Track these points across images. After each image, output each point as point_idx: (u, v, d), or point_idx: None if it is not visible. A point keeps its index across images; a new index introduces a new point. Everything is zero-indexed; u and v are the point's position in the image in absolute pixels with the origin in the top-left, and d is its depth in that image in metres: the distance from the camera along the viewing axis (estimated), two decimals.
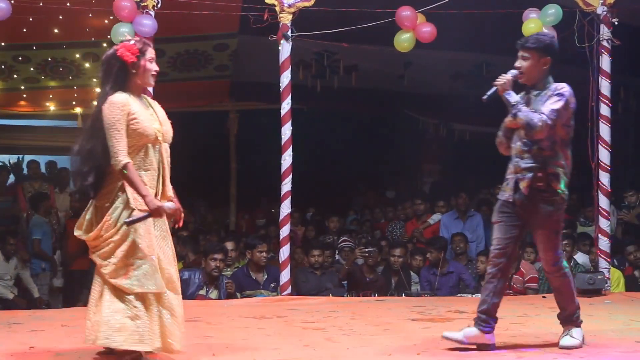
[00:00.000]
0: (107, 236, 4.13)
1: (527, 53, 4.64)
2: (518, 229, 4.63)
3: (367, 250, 8.35)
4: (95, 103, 4.31)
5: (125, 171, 4.00)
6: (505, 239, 4.62)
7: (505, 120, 4.74)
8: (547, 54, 4.67)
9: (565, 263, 4.76)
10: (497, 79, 4.61)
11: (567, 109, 4.56)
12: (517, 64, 4.68)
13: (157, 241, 4.17)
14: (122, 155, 4.02)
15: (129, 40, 4.20)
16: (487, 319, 4.64)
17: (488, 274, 4.72)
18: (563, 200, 4.63)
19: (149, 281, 4.07)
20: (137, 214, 4.05)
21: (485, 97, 4.68)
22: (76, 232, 4.27)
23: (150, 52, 4.22)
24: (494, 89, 4.67)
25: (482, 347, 4.61)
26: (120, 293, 4.11)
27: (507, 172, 4.79)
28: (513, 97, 4.60)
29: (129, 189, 4.07)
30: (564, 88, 4.62)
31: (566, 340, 4.68)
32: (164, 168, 4.24)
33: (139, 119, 4.12)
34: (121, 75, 4.14)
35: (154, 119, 4.25)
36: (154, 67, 4.24)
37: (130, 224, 4.04)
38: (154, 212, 4.06)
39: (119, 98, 4.09)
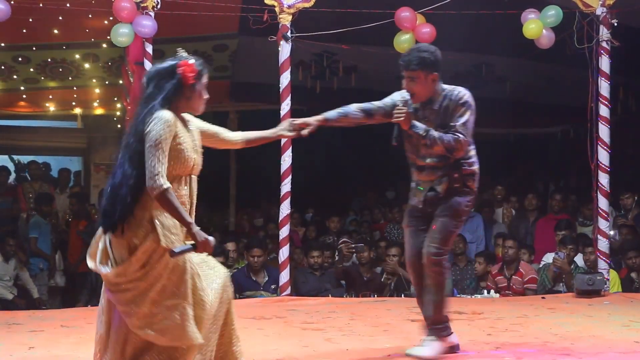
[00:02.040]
0: (133, 278, 3.47)
1: (414, 74, 4.39)
2: (426, 232, 4.54)
3: (352, 245, 8.39)
4: (129, 119, 3.90)
5: (167, 195, 3.41)
6: (417, 244, 4.52)
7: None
8: (434, 69, 4.41)
9: (447, 264, 4.58)
10: (395, 115, 4.34)
11: (473, 114, 4.44)
12: (406, 85, 4.45)
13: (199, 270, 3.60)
14: (163, 179, 3.41)
15: (189, 58, 3.70)
16: (443, 325, 4.52)
17: (415, 283, 4.66)
18: (474, 196, 4.56)
19: (182, 332, 3.45)
20: (180, 246, 3.46)
21: (394, 142, 4.55)
22: (90, 264, 3.58)
23: (206, 78, 3.76)
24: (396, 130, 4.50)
25: (451, 350, 4.55)
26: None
27: (415, 176, 4.64)
28: (419, 128, 4.36)
29: (159, 225, 3.46)
30: (465, 95, 4.44)
31: (416, 350, 4.45)
32: (192, 203, 3.70)
33: (183, 145, 3.60)
34: (174, 94, 3.62)
35: (195, 148, 3.73)
36: (206, 94, 3.77)
37: (175, 255, 3.42)
38: (201, 245, 3.47)
39: (169, 116, 3.53)
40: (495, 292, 7.92)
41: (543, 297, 7.50)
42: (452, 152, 4.37)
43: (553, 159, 12.32)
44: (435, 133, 4.33)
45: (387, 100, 4.58)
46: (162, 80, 3.65)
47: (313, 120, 4.39)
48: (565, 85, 9.94)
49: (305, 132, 4.30)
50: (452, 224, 4.48)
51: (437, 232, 4.44)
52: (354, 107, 4.54)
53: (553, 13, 7.76)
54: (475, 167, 4.52)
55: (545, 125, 12.14)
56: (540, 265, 8.18)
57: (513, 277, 7.97)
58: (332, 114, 4.51)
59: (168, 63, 3.69)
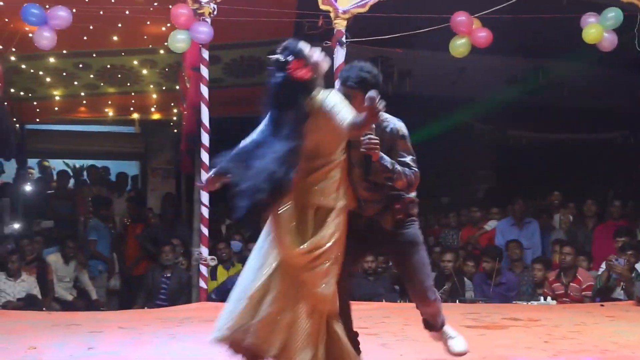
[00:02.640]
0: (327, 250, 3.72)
1: (350, 92, 4.03)
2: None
3: None
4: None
5: None
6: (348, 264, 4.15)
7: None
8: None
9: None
10: (368, 145, 3.84)
11: None
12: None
13: None
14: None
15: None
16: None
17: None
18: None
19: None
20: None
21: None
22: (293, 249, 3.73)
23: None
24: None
25: None
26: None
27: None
28: (387, 160, 4.00)
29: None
30: (403, 127, 4.14)
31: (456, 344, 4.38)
32: None
33: None
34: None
35: None
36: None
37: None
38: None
39: None
40: (552, 299, 7.80)
41: (602, 305, 7.35)
42: (409, 188, 4.17)
43: (612, 165, 12.08)
44: (399, 167, 4.05)
45: None
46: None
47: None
48: (625, 90, 9.76)
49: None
50: (425, 256, 4.32)
51: (421, 274, 4.23)
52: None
53: (613, 15, 7.63)
54: (414, 194, 4.29)
55: (605, 130, 11.91)
56: (599, 273, 8.03)
57: (571, 284, 7.85)
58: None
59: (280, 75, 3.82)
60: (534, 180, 11.73)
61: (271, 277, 3.76)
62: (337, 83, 4.16)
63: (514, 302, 7.96)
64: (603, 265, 8.02)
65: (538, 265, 8.30)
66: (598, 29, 7.65)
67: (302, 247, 3.70)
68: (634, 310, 6.90)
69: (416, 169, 4.15)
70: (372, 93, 3.51)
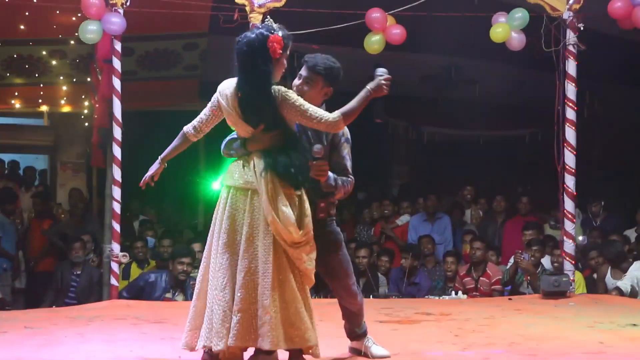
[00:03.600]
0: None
1: (314, 77, 4.10)
2: None
3: None
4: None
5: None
6: None
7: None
8: (332, 85, 4.18)
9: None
10: (318, 171, 3.98)
11: None
12: (297, 85, 4.13)
13: None
14: None
15: (279, 30, 3.94)
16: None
17: None
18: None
19: None
20: None
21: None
22: (296, 234, 3.88)
23: (288, 49, 4.03)
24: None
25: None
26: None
27: None
28: (331, 179, 4.08)
29: None
30: (347, 131, 4.22)
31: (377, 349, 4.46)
32: None
33: None
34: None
35: None
36: (286, 64, 4.04)
37: None
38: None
39: None
40: (463, 293, 7.97)
41: (510, 299, 7.56)
42: (344, 196, 4.24)
43: (521, 161, 12.43)
44: (339, 180, 4.13)
45: None
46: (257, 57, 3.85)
47: None
48: (533, 88, 10.03)
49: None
50: (346, 256, 4.39)
51: (347, 269, 4.35)
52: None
53: (520, 16, 7.83)
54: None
55: (514, 127, 12.24)
56: (507, 267, 8.24)
57: (481, 278, 8.03)
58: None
59: (259, 37, 3.88)
60: (446, 175, 11.96)
61: (274, 275, 3.87)
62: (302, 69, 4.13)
63: (426, 296, 8.10)
64: (512, 260, 8.24)
65: (450, 258, 8.45)
66: (505, 28, 7.85)
67: (300, 231, 3.90)
68: (540, 304, 7.12)
69: (352, 177, 4.22)
70: (381, 69, 3.92)
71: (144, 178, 4.22)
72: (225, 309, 3.85)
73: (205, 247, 4.09)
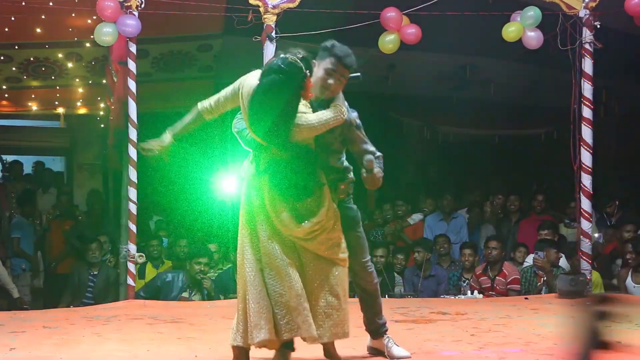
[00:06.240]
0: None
1: (347, 75, 4.24)
2: None
3: None
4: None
5: None
6: None
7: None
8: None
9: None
10: (370, 185, 4.23)
11: None
12: (333, 81, 4.17)
13: None
14: None
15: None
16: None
17: None
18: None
19: None
20: None
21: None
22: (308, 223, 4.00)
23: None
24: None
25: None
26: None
27: None
28: (380, 170, 4.24)
29: None
30: (356, 112, 4.31)
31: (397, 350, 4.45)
32: None
33: None
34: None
35: None
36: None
37: None
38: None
39: None
40: (479, 292, 7.95)
41: (526, 298, 7.53)
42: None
43: (537, 161, 12.37)
44: (381, 164, 4.29)
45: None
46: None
47: None
48: (549, 87, 9.99)
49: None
50: (362, 234, 4.44)
51: (364, 247, 4.41)
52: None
53: (532, 14, 7.79)
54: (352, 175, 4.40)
55: (530, 126, 12.19)
56: (523, 266, 8.21)
57: (497, 277, 8.00)
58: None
59: (303, 74, 3.80)
60: (461, 175, 11.93)
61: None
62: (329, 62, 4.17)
63: (442, 296, 8.08)
64: (527, 260, 8.21)
65: (468, 250, 8.39)
66: (518, 27, 7.81)
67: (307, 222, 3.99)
68: (556, 303, 7.08)
69: (379, 153, 4.34)
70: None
71: (149, 142, 4.17)
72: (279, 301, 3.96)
73: (239, 244, 4.04)
